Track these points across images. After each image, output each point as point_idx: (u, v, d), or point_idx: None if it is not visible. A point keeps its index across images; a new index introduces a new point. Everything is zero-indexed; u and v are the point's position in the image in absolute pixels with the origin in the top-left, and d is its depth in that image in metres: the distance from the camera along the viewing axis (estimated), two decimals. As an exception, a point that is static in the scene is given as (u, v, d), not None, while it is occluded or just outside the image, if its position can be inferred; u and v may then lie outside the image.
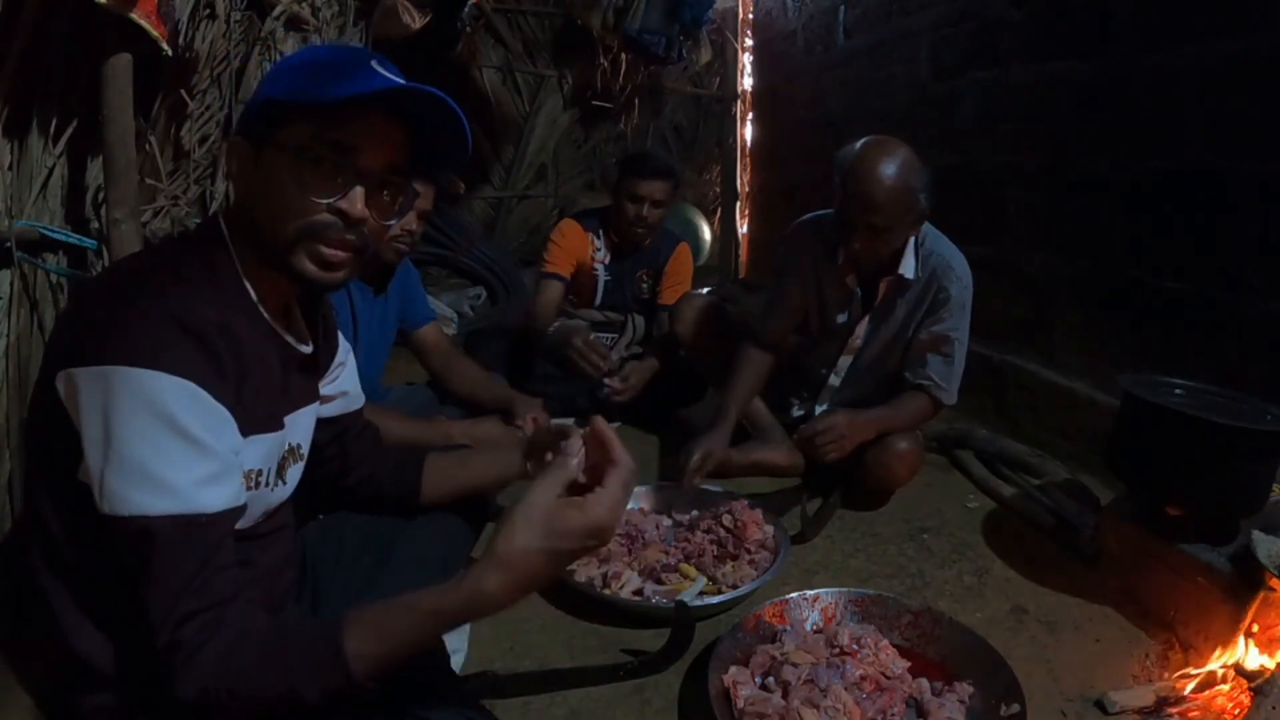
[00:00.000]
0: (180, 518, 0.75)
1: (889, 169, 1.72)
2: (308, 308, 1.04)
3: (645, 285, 2.77)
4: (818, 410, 2.20)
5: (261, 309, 0.90)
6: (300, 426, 1.02)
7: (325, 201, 0.85)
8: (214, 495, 0.78)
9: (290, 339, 0.95)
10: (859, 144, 1.79)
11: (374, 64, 0.87)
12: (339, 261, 0.88)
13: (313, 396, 1.05)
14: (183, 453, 0.76)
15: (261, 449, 0.90)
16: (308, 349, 1.00)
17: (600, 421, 0.87)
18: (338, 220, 0.86)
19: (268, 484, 0.93)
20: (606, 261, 2.75)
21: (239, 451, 0.84)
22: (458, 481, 1.26)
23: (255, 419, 0.87)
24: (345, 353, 1.16)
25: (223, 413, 0.79)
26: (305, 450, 1.05)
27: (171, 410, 0.75)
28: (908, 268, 1.91)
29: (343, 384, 1.15)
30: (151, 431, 0.74)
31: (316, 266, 0.87)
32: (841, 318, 2.06)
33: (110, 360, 0.74)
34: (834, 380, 2.17)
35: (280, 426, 0.94)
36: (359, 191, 0.86)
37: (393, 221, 0.93)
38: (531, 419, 1.93)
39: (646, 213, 2.58)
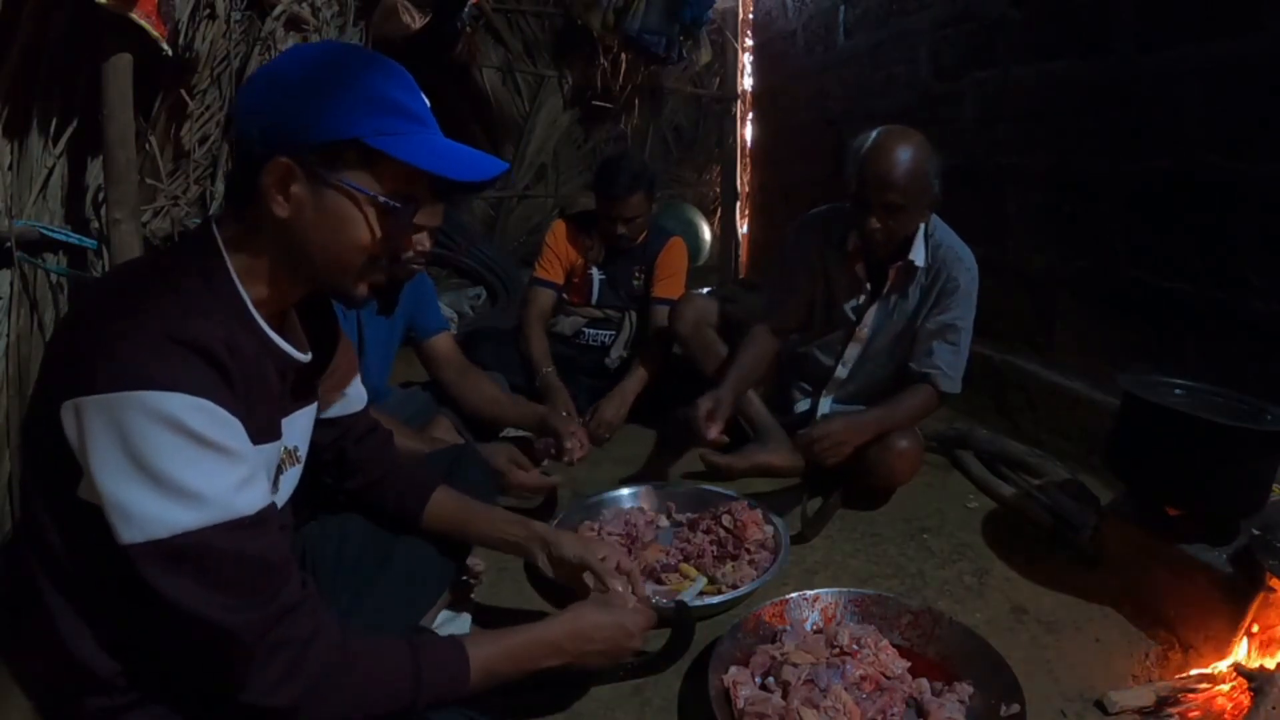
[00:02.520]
0: (223, 525, 0.75)
1: (905, 151, 1.78)
2: (309, 313, 1.03)
3: (639, 281, 2.78)
4: (822, 403, 2.20)
5: (259, 319, 0.88)
6: (296, 428, 1.01)
7: (396, 244, 0.90)
8: (250, 497, 0.78)
9: (288, 347, 0.93)
10: (874, 131, 1.85)
11: (425, 100, 0.89)
12: (382, 285, 0.95)
13: (309, 397, 1.05)
14: (211, 462, 0.75)
15: (262, 458, 0.89)
16: (306, 357, 0.98)
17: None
18: (411, 254, 0.92)
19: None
20: (600, 261, 2.76)
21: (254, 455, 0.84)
22: (460, 528, 1.27)
23: (259, 429, 0.86)
24: (346, 353, 1.15)
25: (235, 422, 0.79)
26: (303, 453, 1.04)
27: (190, 425, 0.73)
28: (918, 255, 1.92)
29: (342, 385, 1.15)
30: (175, 449, 0.73)
31: (368, 292, 0.93)
32: (850, 305, 2.07)
33: (120, 387, 0.72)
34: (841, 372, 2.17)
35: (278, 435, 0.94)
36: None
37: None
38: (577, 444, 1.93)
39: (621, 229, 2.59)
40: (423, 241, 1.85)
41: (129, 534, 0.72)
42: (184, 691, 0.83)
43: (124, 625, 0.80)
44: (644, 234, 2.71)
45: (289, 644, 0.77)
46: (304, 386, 1.03)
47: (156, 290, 0.81)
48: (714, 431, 1.86)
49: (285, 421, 0.96)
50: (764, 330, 2.12)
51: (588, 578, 1.23)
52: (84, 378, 0.74)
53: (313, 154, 0.82)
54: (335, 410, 1.15)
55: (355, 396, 1.18)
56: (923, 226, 1.93)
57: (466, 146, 0.90)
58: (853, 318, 2.08)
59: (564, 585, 1.29)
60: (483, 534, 1.28)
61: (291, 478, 1.02)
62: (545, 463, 2.05)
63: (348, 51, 0.90)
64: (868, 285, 2.02)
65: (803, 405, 2.27)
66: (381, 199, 0.84)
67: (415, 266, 1.89)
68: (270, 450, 0.92)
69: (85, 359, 0.75)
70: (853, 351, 2.13)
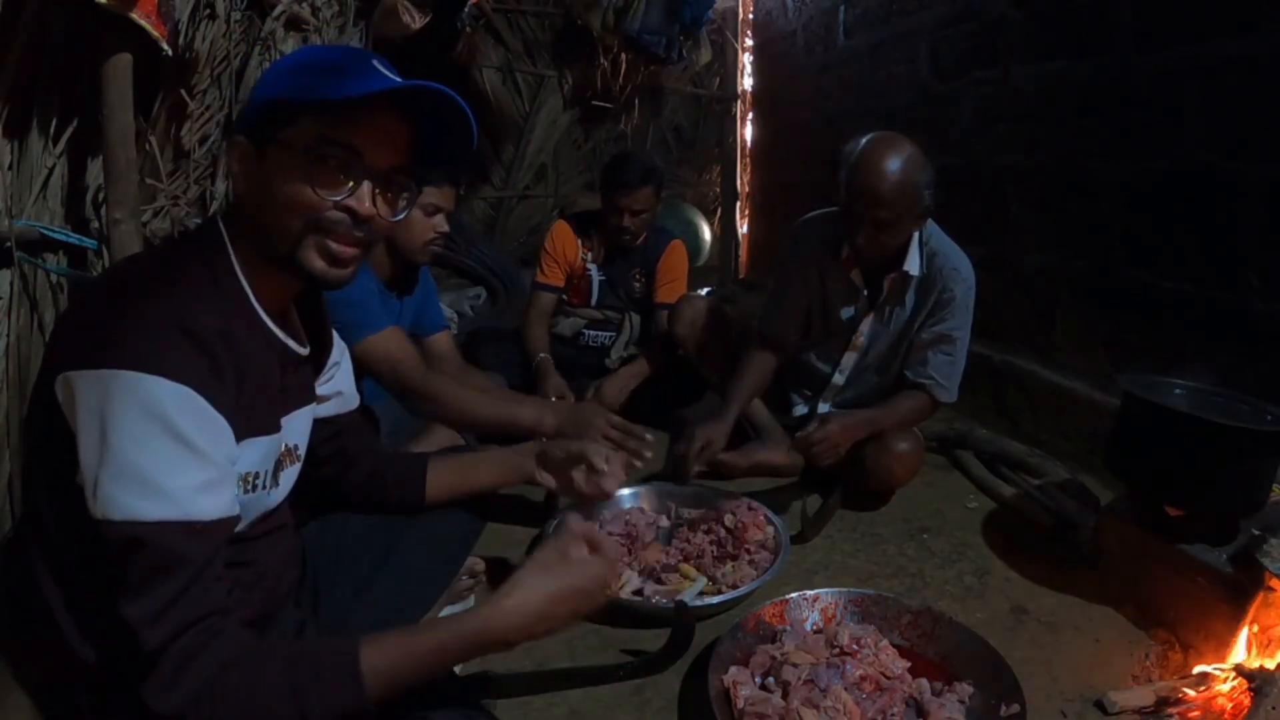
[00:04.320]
0: (176, 524, 0.74)
1: (894, 164, 1.74)
2: (304, 309, 1.04)
3: (639, 284, 2.78)
4: (820, 408, 2.20)
5: (260, 311, 0.90)
6: (297, 428, 1.02)
7: (334, 199, 0.86)
8: (210, 503, 0.78)
9: (289, 341, 0.95)
10: (864, 139, 1.81)
11: (375, 63, 0.88)
12: (347, 258, 0.90)
13: (309, 397, 1.06)
14: (181, 458, 0.75)
15: (259, 452, 0.90)
16: (305, 350, 1.00)
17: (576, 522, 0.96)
18: (346, 216, 0.87)
19: (264, 486, 0.93)
20: (600, 262, 2.76)
21: (235, 461, 0.83)
22: (462, 485, 1.28)
23: (253, 422, 0.87)
24: (340, 353, 1.16)
25: (220, 421, 0.79)
26: (302, 451, 1.05)
27: (170, 415, 0.74)
28: (912, 264, 1.91)
29: (338, 384, 1.15)
30: (149, 436, 0.74)
31: (325, 262, 0.89)
32: (846, 314, 2.06)
33: (110, 364, 0.74)
34: (838, 379, 2.16)
35: (277, 429, 0.94)
36: (367, 188, 0.88)
37: (399, 217, 0.94)
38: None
39: (628, 222, 2.60)
40: (441, 224, 1.88)
41: (94, 507, 0.74)
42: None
43: (115, 618, 0.79)
44: (645, 234, 2.71)
45: (180, 656, 0.73)
46: (303, 386, 1.03)
47: (160, 278, 0.83)
48: (697, 469, 1.86)
49: (286, 419, 0.97)
50: (760, 354, 2.10)
51: (577, 475, 1.27)
52: (77, 353, 0.76)
53: (256, 125, 0.86)
54: (333, 408, 1.15)
55: (350, 394, 1.19)
56: (917, 235, 1.91)
57: (394, 78, 0.87)
58: (848, 326, 2.08)
59: (560, 493, 1.33)
60: (486, 474, 1.29)
61: (290, 475, 1.02)
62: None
63: (334, 48, 0.94)
64: (864, 293, 2.02)
65: (801, 410, 2.27)
66: (308, 146, 0.84)
67: (435, 248, 1.93)
68: (265, 444, 0.91)
69: (81, 336, 0.77)
70: (849, 360, 2.13)
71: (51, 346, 0.85)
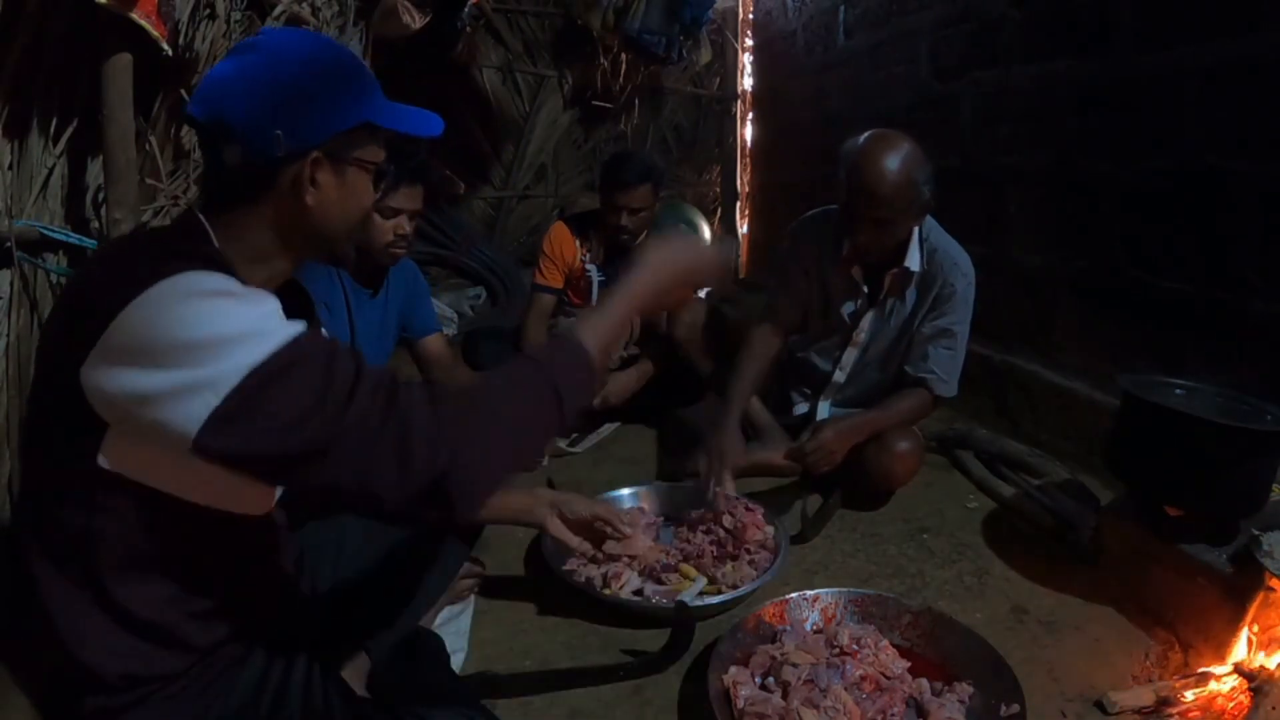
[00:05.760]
0: (285, 347, 0.73)
1: (892, 162, 1.74)
2: (296, 309, 1.04)
3: None
4: (820, 407, 2.20)
5: None
6: None
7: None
8: (292, 326, 0.76)
9: None
10: (862, 137, 1.81)
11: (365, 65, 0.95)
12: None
13: None
14: (246, 305, 0.75)
15: None
16: None
17: None
18: None
19: None
20: (599, 262, 2.77)
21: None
22: None
23: None
24: None
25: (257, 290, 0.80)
26: None
27: (211, 286, 0.75)
28: (912, 260, 1.92)
29: None
30: (209, 309, 0.72)
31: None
32: (847, 310, 2.07)
33: (136, 292, 0.72)
34: (839, 376, 2.16)
35: None
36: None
37: None
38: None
39: (626, 221, 2.59)
40: (402, 226, 1.88)
41: (194, 419, 0.69)
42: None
43: (147, 600, 0.80)
44: (645, 233, 2.71)
45: (412, 412, 0.74)
46: None
47: (155, 256, 0.80)
48: (725, 485, 1.83)
49: None
50: (765, 332, 2.11)
51: (601, 526, 1.32)
52: (95, 333, 0.73)
53: (336, 141, 0.89)
54: None
55: None
56: (916, 231, 1.91)
57: (413, 107, 0.97)
58: (849, 322, 2.08)
59: (576, 548, 1.38)
60: (491, 509, 1.28)
61: None
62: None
63: (320, 43, 0.94)
64: (864, 289, 2.02)
65: (801, 409, 2.27)
66: (379, 165, 0.95)
67: (397, 251, 1.92)
68: None
69: (96, 320, 0.74)
70: (850, 356, 2.13)
71: (59, 337, 0.81)
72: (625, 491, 1.98)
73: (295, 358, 0.73)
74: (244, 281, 0.86)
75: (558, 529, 1.31)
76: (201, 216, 0.89)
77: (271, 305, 0.77)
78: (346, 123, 0.89)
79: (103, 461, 0.76)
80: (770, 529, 1.77)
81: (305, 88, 0.87)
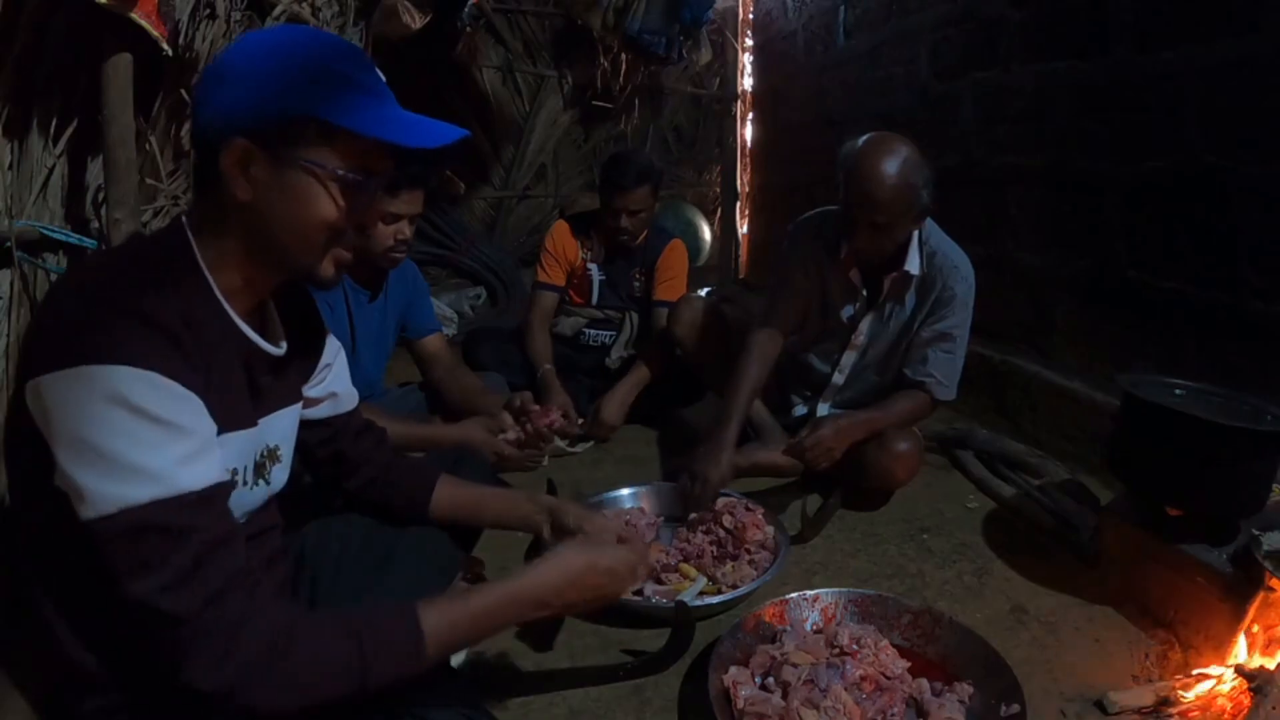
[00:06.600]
0: (168, 500, 0.73)
1: (890, 166, 1.73)
2: (292, 311, 1.03)
3: (639, 283, 2.79)
4: (820, 408, 2.20)
5: (224, 304, 0.88)
6: (277, 428, 1.00)
7: (354, 216, 0.88)
8: (197, 473, 0.76)
9: (257, 339, 0.92)
10: (860, 141, 1.80)
11: (377, 72, 0.89)
12: (346, 262, 0.93)
13: (291, 398, 1.04)
14: (155, 437, 0.74)
15: (233, 447, 0.88)
16: (279, 351, 0.97)
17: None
18: (351, 229, 0.90)
19: (245, 483, 0.92)
20: (600, 262, 2.77)
21: (213, 431, 0.82)
22: (466, 512, 1.28)
23: (224, 414, 0.85)
24: (334, 354, 1.14)
25: (191, 397, 0.77)
26: (284, 452, 1.03)
27: (135, 399, 0.73)
28: (912, 263, 1.91)
29: (331, 385, 1.14)
30: (119, 422, 0.72)
31: (335, 272, 0.92)
32: (846, 312, 2.06)
33: (72, 362, 0.72)
34: (838, 378, 2.16)
35: (252, 424, 0.93)
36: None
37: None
38: (508, 419, 2.07)
39: (626, 222, 2.60)
40: (403, 230, 1.87)
41: (84, 510, 0.72)
42: (168, 688, 0.80)
43: (106, 620, 0.79)
44: (644, 233, 2.71)
45: (223, 626, 0.74)
46: (285, 386, 1.02)
47: (118, 273, 0.81)
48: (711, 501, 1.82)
49: (265, 420, 0.96)
50: (765, 336, 2.07)
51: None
52: (42, 357, 0.75)
53: (270, 133, 0.82)
54: (326, 410, 1.14)
55: (346, 396, 1.18)
56: (916, 234, 1.90)
57: (422, 116, 0.89)
58: (848, 325, 2.08)
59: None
60: (495, 514, 1.30)
61: (276, 476, 1.01)
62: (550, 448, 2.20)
63: (297, 32, 0.92)
64: (863, 292, 2.02)
65: (800, 410, 2.27)
66: (340, 173, 0.84)
67: (397, 255, 1.91)
68: (243, 439, 0.91)
69: (44, 341, 0.77)
70: (849, 359, 2.13)
71: (21, 354, 0.83)
72: (625, 491, 1.98)
73: (164, 520, 0.73)
74: (223, 288, 0.87)
75: (548, 536, 1.30)
76: (185, 220, 0.88)
77: (181, 446, 0.75)
78: (282, 111, 0.82)
79: (56, 480, 0.75)
80: (770, 529, 1.77)
81: (239, 65, 0.83)
